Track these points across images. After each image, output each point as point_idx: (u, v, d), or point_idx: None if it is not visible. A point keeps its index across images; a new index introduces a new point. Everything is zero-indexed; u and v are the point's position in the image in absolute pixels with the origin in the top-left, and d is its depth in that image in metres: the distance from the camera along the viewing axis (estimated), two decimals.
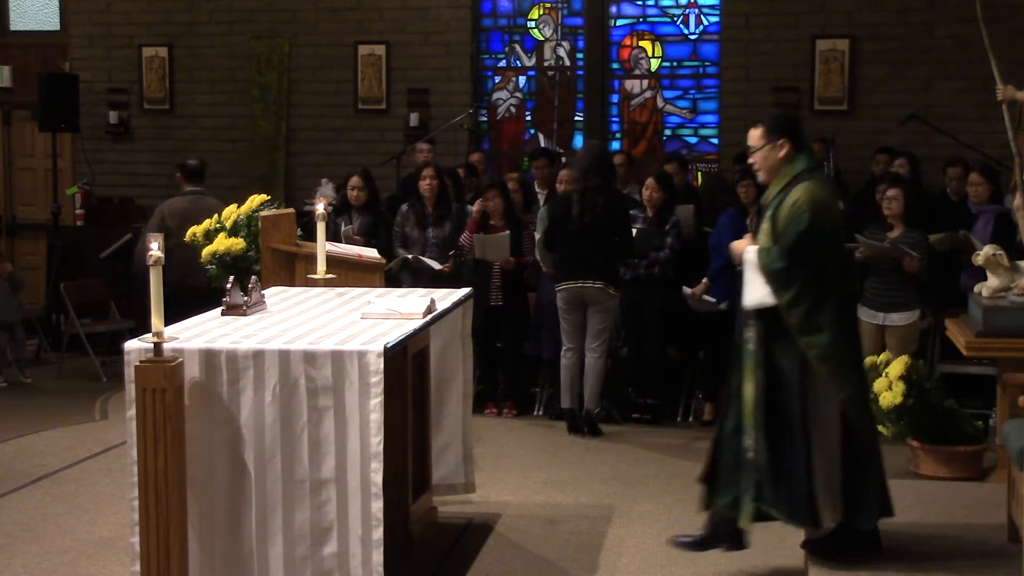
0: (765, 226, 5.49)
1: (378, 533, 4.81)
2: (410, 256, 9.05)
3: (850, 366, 5.49)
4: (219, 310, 5.61)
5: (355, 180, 9.43)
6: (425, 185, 9.16)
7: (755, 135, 5.54)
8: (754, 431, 5.43)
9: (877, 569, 5.65)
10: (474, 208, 9.20)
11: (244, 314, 5.49)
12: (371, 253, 7.68)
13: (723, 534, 5.68)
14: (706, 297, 8.73)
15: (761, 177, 5.63)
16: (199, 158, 10.26)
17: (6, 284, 10.41)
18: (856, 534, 5.64)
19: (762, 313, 5.43)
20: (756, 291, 5.43)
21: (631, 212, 8.92)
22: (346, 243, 8.53)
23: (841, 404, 5.42)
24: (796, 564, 5.97)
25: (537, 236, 8.94)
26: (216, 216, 8.07)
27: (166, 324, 4.81)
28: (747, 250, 5.51)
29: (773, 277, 5.37)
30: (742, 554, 6.11)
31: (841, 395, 5.40)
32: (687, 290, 8.81)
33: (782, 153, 5.49)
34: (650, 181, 9.02)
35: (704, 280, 8.76)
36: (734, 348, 5.60)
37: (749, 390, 5.45)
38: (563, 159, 10.51)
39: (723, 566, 5.97)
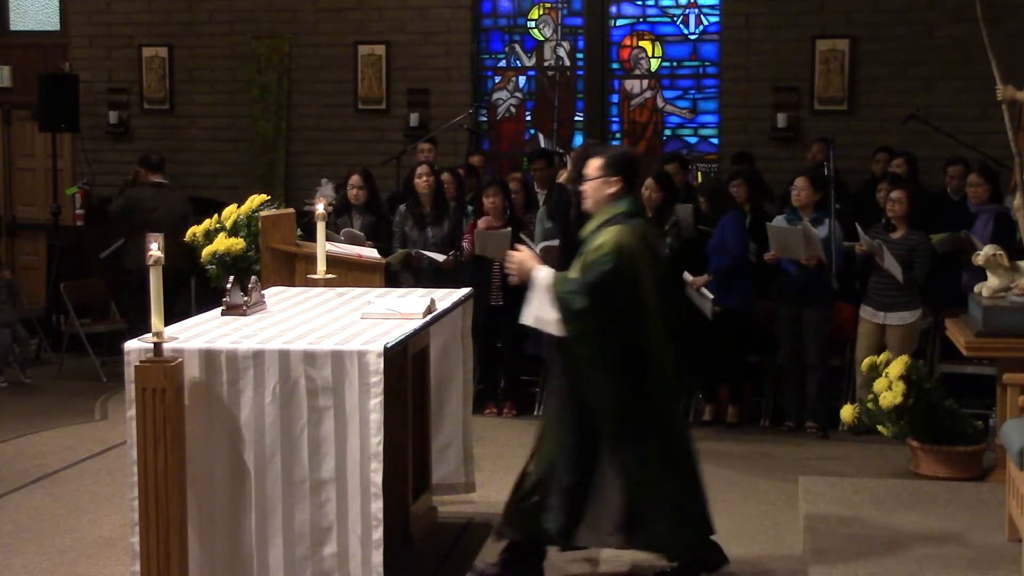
0: (577, 261, 5.46)
1: (378, 533, 4.81)
2: (414, 251, 9.03)
3: (625, 411, 5.38)
4: (219, 310, 5.61)
5: (355, 179, 9.43)
6: (422, 183, 9.14)
7: (593, 165, 5.56)
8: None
9: (877, 569, 5.65)
10: (481, 224, 9.12)
11: (244, 314, 5.49)
12: (371, 253, 7.69)
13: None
14: (704, 291, 8.69)
15: (586, 206, 5.63)
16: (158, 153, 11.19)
17: (4, 291, 10.42)
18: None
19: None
20: (537, 310, 5.37)
21: None
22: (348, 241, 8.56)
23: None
24: (796, 563, 5.97)
25: (536, 233, 8.94)
26: (216, 216, 8.08)
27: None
28: (539, 269, 5.44)
29: (564, 306, 5.31)
30: (743, 554, 6.11)
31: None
32: (688, 276, 8.76)
33: (611, 190, 5.51)
34: (649, 181, 9.00)
35: (706, 276, 8.71)
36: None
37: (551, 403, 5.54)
38: (563, 159, 10.49)
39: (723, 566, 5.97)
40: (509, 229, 8.98)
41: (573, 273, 5.38)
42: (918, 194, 8.71)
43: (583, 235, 5.60)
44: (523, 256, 5.56)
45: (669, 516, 5.45)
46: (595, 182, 5.53)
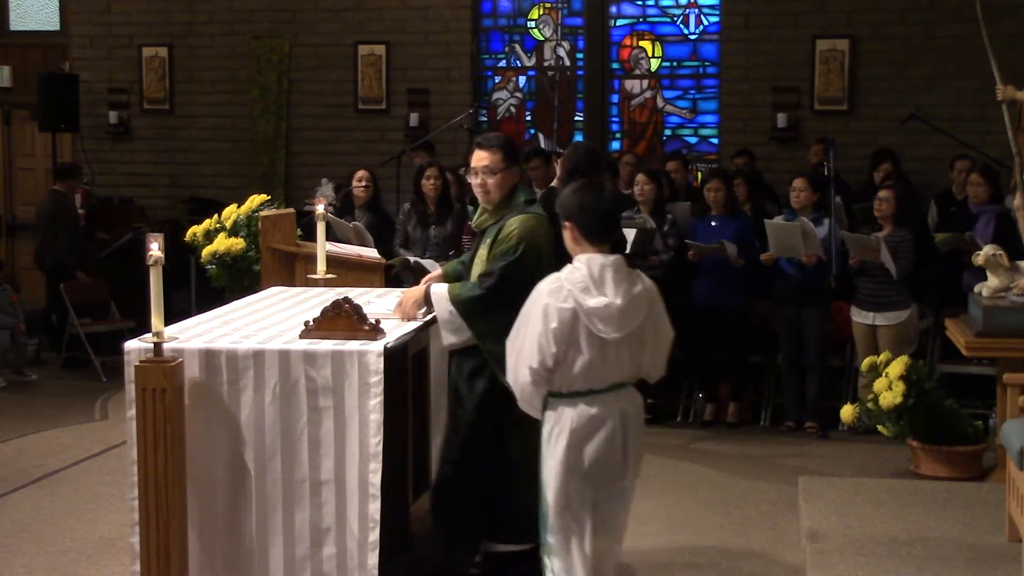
0: (483, 252, 5.41)
1: (374, 535, 4.80)
2: (412, 260, 9.05)
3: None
4: (220, 309, 5.61)
5: (363, 173, 9.51)
6: (429, 185, 9.17)
7: (495, 159, 5.38)
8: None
9: (877, 569, 5.66)
10: None
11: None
12: (371, 253, 7.69)
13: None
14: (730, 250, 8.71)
15: (490, 197, 5.44)
16: (71, 161, 12.02)
17: (6, 295, 10.43)
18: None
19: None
20: (447, 325, 5.30)
21: (625, 213, 8.90)
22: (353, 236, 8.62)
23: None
24: (796, 563, 5.97)
25: None
26: (216, 216, 8.10)
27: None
28: (432, 289, 5.35)
29: (468, 305, 5.22)
30: (743, 554, 6.12)
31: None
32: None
33: (515, 180, 5.44)
34: (640, 177, 9.06)
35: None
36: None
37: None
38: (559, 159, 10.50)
39: (722, 567, 5.98)
40: None
41: (481, 266, 5.33)
42: (904, 193, 8.72)
43: (480, 227, 5.50)
44: (408, 294, 5.51)
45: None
46: (502, 175, 5.39)
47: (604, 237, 4.50)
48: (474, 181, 5.47)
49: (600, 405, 4.48)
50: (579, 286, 4.39)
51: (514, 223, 5.30)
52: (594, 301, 4.37)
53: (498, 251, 5.29)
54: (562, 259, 5.18)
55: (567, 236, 4.54)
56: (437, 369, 6.31)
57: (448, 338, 5.32)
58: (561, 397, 4.48)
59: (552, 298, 4.39)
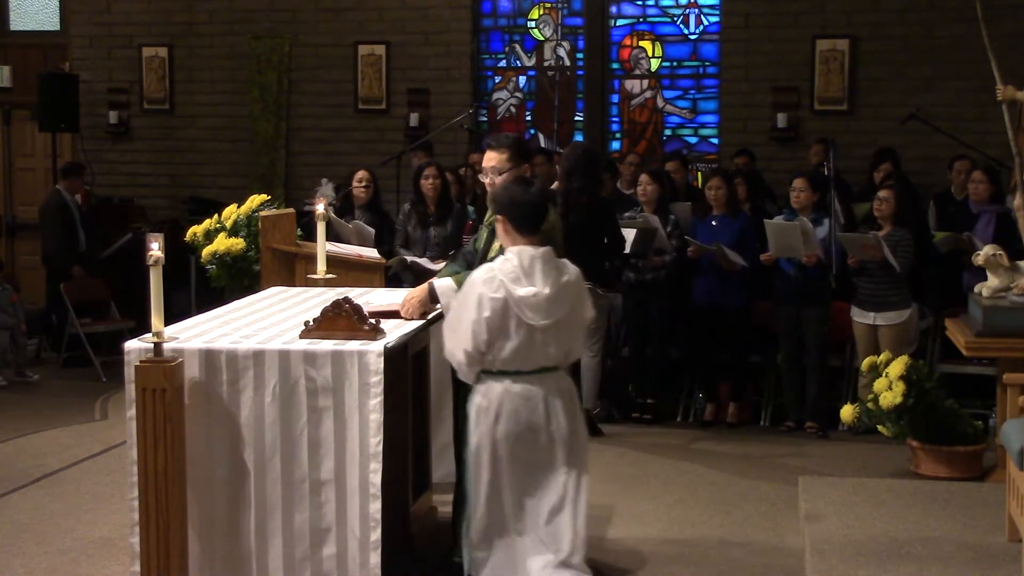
0: (496, 245, 5.37)
1: (376, 534, 4.81)
2: (409, 259, 9.06)
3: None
4: (220, 309, 5.61)
5: (363, 174, 9.52)
6: (428, 185, 9.18)
7: (501, 158, 5.51)
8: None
9: (877, 569, 5.66)
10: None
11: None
12: (371, 253, 7.69)
13: None
14: (732, 257, 8.70)
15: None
16: (73, 160, 12.07)
17: (9, 289, 10.43)
18: None
19: None
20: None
21: (628, 213, 8.91)
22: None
23: None
24: (796, 563, 5.97)
25: None
26: (216, 216, 8.10)
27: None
28: (436, 284, 5.36)
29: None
30: (743, 554, 6.12)
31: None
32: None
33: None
34: (643, 177, 9.07)
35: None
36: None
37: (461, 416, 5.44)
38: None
39: (723, 566, 5.98)
40: None
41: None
42: (904, 193, 8.73)
43: (492, 224, 5.44)
44: (412, 293, 5.51)
45: None
46: (509, 174, 5.46)
47: (533, 229, 4.90)
48: (485, 181, 5.65)
49: (526, 384, 4.88)
50: (510, 276, 4.78)
51: None
52: (524, 291, 4.78)
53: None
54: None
55: (499, 229, 4.96)
56: (437, 369, 6.32)
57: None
58: (491, 374, 4.90)
59: (486, 287, 4.78)
